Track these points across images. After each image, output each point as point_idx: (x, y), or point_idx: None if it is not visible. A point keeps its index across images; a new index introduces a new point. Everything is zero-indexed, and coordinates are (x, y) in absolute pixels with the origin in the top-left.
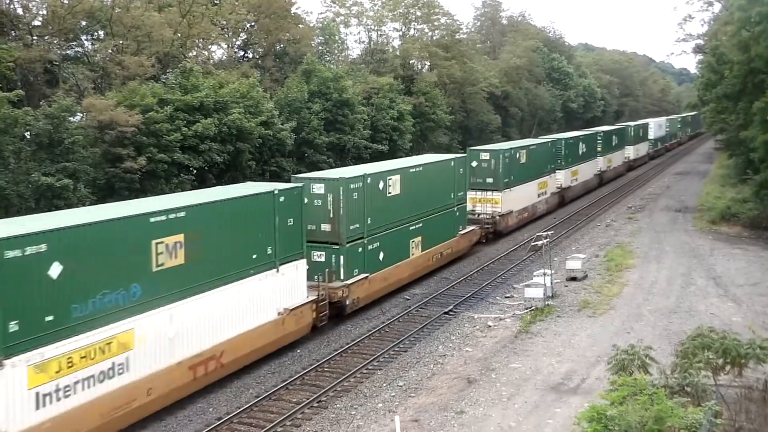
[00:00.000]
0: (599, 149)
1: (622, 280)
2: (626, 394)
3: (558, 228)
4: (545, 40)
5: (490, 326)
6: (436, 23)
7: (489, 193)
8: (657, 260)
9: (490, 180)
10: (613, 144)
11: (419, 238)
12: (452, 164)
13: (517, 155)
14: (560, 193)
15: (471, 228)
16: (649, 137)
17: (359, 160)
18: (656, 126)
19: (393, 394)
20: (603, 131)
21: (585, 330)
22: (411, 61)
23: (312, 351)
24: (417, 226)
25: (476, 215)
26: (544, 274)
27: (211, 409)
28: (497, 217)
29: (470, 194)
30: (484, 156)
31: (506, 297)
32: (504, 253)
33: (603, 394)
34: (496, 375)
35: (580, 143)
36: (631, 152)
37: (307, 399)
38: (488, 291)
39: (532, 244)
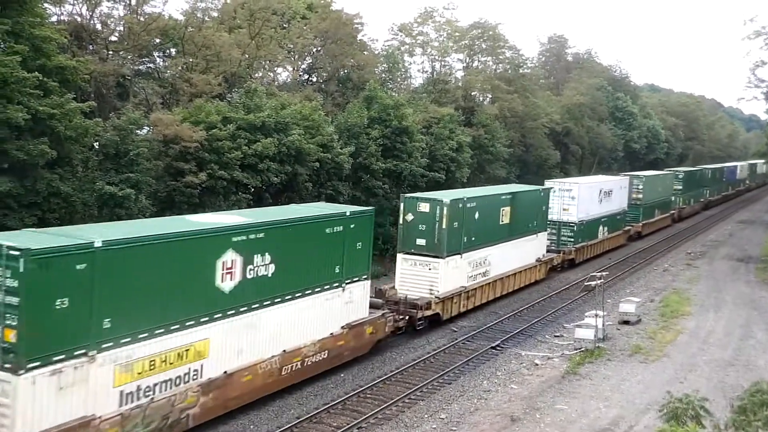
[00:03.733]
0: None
1: (677, 328)
2: None
3: (612, 269)
4: (610, 78)
5: (537, 365)
6: (500, 56)
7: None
8: (715, 309)
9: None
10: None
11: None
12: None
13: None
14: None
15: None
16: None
17: (415, 188)
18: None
19: (434, 426)
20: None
21: (635, 376)
22: (473, 93)
23: (356, 376)
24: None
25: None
26: (596, 315)
27: (252, 426)
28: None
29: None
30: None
31: (556, 336)
32: (555, 291)
33: None
34: (540, 415)
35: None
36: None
37: (348, 425)
38: (537, 328)
39: (585, 284)
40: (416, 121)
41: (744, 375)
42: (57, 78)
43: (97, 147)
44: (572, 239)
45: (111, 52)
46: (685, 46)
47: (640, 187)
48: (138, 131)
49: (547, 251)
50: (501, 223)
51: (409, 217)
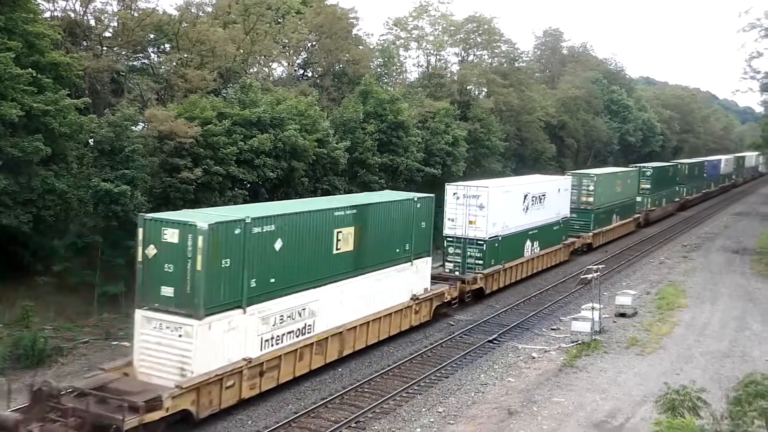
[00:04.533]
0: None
1: (673, 320)
2: None
3: (609, 263)
4: (606, 72)
5: (534, 357)
6: (496, 50)
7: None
8: (711, 301)
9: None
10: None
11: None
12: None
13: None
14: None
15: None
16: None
17: (411, 182)
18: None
19: (432, 420)
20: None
21: (632, 368)
22: (468, 87)
23: (353, 371)
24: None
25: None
26: (593, 308)
27: (250, 422)
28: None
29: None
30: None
31: (552, 329)
32: (552, 284)
33: None
34: (537, 408)
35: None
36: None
37: (346, 419)
38: (534, 322)
39: (582, 277)
40: (412, 115)
41: (740, 366)
42: (51, 74)
43: (91, 143)
44: (481, 262)
45: (105, 48)
46: (680, 39)
47: (591, 188)
48: (133, 127)
49: (440, 281)
50: (336, 251)
51: (151, 251)
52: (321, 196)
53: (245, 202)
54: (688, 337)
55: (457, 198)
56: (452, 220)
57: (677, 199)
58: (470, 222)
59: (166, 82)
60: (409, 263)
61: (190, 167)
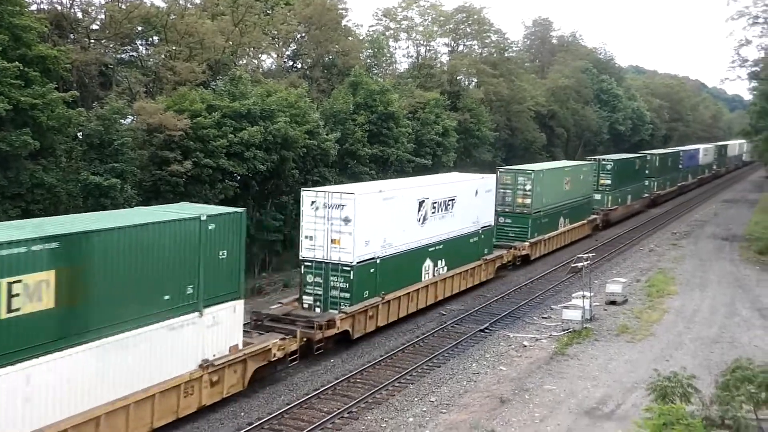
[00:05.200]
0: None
1: (663, 307)
2: (664, 422)
3: (599, 251)
4: (595, 61)
5: (525, 346)
6: (486, 40)
7: None
8: (700, 288)
9: None
10: None
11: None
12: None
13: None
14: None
15: None
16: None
17: (402, 173)
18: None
19: (424, 409)
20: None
21: (623, 355)
22: (458, 77)
23: (345, 361)
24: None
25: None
26: (583, 296)
27: (242, 414)
28: None
29: None
30: None
31: (543, 317)
32: (542, 273)
33: (639, 421)
34: (529, 396)
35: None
36: None
37: (338, 409)
38: (525, 310)
39: (572, 265)
40: (402, 106)
41: (729, 352)
42: (38, 68)
43: (80, 137)
44: (347, 295)
45: (93, 41)
46: (670, 28)
47: (528, 187)
48: (122, 120)
49: (283, 325)
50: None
51: None
52: (312, 187)
53: (236, 194)
54: (677, 323)
55: (316, 208)
56: (310, 239)
57: (646, 195)
58: (333, 241)
59: (154, 74)
60: (196, 314)
61: (179, 160)
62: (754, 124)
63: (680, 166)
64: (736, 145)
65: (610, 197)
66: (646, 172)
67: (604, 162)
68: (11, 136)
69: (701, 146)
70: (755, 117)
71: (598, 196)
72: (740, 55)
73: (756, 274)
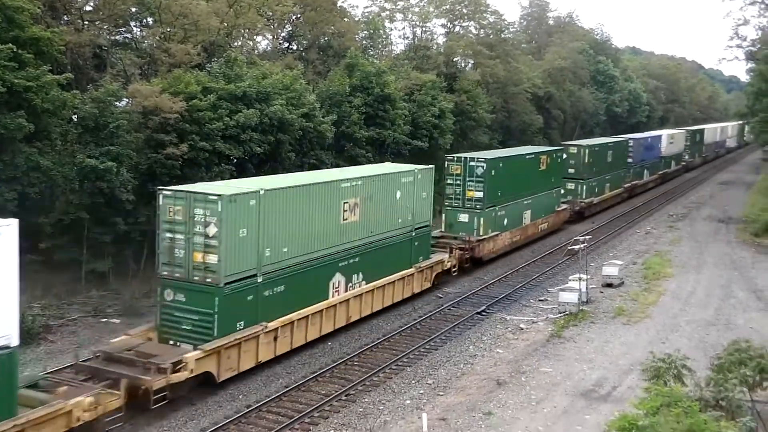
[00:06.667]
0: None
1: (659, 289)
2: (659, 404)
3: (596, 233)
4: (592, 42)
5: (522, 329)
6: (482, 21)
7: None
8: (696, 270)
9: None
10: None
11: (529, 212)
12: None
13: None
14: None
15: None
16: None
17: (398, 155)
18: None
19: (422, 391)
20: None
21: (619, 337)
22: (455, 59)
23: (343, 344)
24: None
25: None
26: (580, 279)
27: (241, 396)
28: None
29: None
30: None
31: (540, 300)
32: (539, 256)
33: (635, 402)
34: (526, 378)
35: None
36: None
37: (336, 392)
38: (522, 293)
39: (569, 248)
40: (398, 88)
41: (724, 334)
42: (32, 50)
43: (75, 120)
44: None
45: (86, 22)
46: (667, 8)
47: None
48: (117, 103)
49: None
50: None
51: None
52: (308, 170)
53: (232, 177)
54: (673, 306)
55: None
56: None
57: (561, 208)
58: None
59: (149, 56)
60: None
61: (175, 143)
62: (750, 105)
63: (630, 161)
64: (717, 130)
65: (482, 220)
66: (570, 171)
67: (474, 164)
68: (6, 119)
69: (665, 132)
70: (752, 98)
71: (464, 217)
72: (738, 34)
73: (752, 256)
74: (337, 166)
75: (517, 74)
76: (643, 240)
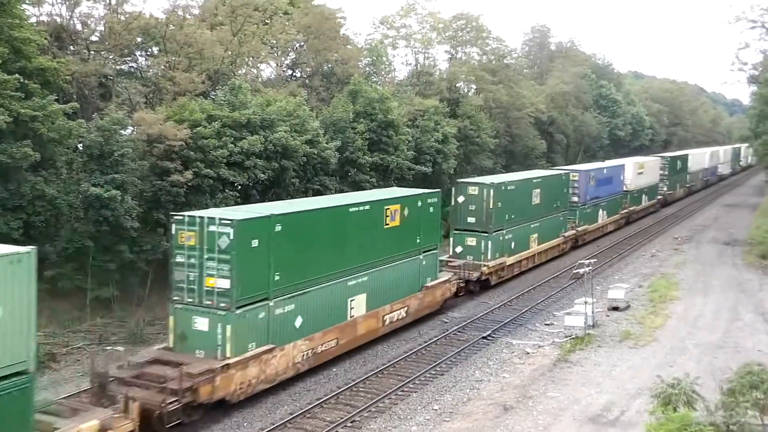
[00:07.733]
0: None
1: (665, 312)
2: (670, 429)
3: (601, 257)
4: (594, 66)
5: (528, 353)
6: (484, 47)
7: None
8: (703, 293)
9: None
10: None
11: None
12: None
13: None
14: None
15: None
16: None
17: (402, 181)
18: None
19: (428, 417)
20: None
21: (626, 361)
22: (457, 84)
23: (348, 370)
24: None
25: None
26: (586, 302)
27: (246, 424)
28: None
29: None
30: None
31: (546, 324)
32: (545, 279)
33: (648, 425)
34: (533, 403)
35: None
36: None
37: (341, 419)
38: (528, 317)
39: (574, 272)
40: (402, 114)
41: (733, 357)
42: (38, 80)
43: (81, 148)
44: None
45: (92, 52)
46: (668, 33)
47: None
48: (122, 131)
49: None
50: None
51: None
52: (312, 196)
53: (236, 204)
54: (680, 329)
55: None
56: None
57: (439, 281)
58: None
59: (154, 85)
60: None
61: (180, 170)
62: (753, 128)
63: (575, 199)
64: (705, 155)
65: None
66: (470, 221)
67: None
68: (12, 148)
69: (629, 160)
70: (755, 121)
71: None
72: (739, 58)
73: (758, 279)
74: (341, 191)
75: (520, 99)
76: (649, 263)
